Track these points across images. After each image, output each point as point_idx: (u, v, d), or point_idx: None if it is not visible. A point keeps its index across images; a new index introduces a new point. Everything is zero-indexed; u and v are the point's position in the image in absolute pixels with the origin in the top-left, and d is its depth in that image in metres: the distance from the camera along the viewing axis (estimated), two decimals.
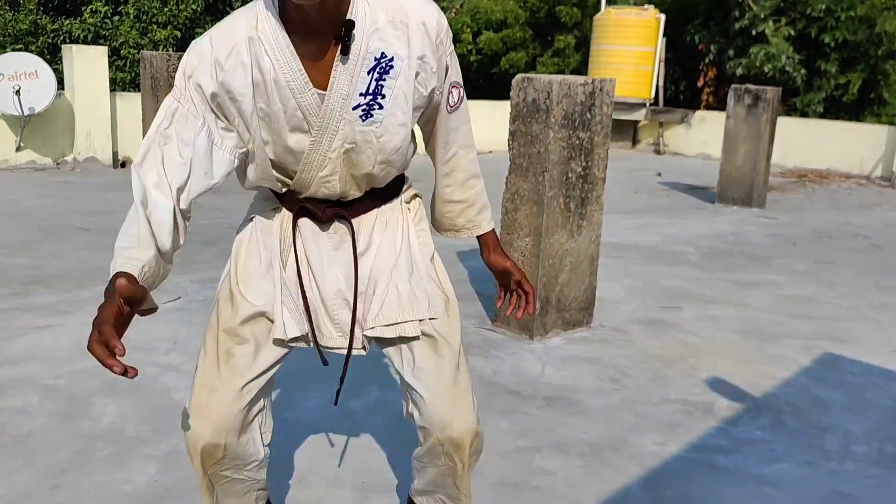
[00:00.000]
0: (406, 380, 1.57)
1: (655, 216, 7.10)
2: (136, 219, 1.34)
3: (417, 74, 1.44)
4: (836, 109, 12.78)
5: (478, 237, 1.74)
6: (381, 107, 1.42)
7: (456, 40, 15.71)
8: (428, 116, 1.58)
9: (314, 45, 1.37)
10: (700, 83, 13.70)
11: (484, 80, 15.75)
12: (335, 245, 1.57)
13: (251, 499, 1.69)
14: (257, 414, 1.61)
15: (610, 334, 3.75)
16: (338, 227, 1.57)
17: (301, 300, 1.54)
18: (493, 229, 1.76)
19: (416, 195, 1.67)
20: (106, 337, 1.19)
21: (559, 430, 2.70)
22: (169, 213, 1.36)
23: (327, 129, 1.42)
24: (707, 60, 13.50)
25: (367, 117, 1.42)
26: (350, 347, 1.56)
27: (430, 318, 1.56)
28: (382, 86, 1.40)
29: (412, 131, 1.53)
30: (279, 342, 1.55)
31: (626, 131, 13.71)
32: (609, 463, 2.49)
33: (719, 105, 13.27)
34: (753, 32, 12.43)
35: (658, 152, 13.02)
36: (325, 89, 1.39)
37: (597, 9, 13.32)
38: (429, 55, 1.44)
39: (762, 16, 12.27)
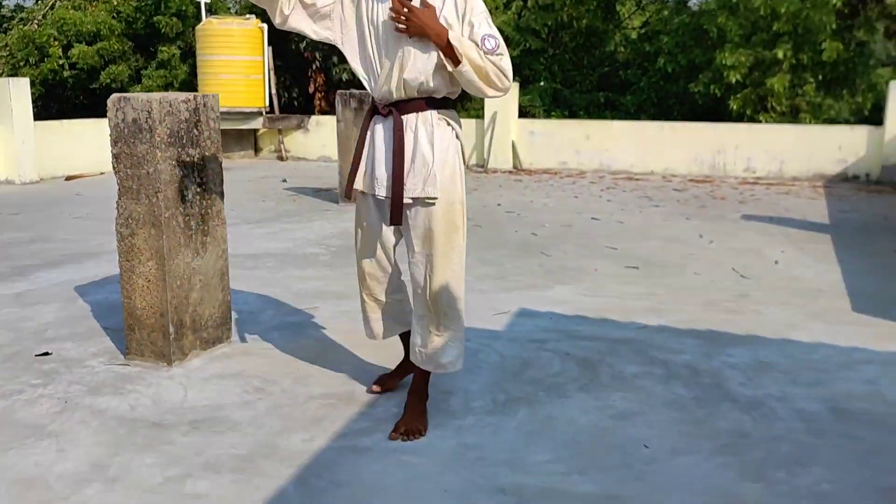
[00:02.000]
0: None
1: (285, 222, 7.26)
2: None
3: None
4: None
5: None
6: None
7: (43, 55, 14.23)
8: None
9: None
10: (311, 89, 14.22)
11: (84, 96, 14.51)
12: (390, 130, 2.70)
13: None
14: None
15: (251, 346, 3.77)
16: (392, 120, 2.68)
17: (364, 165, 2.78)
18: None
19: (452, 127, 2.72)
20: None
21: (208, 451, 2.67)
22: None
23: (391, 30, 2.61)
24: (314, 67, 14.06)
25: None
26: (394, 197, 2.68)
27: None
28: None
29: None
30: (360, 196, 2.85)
31: (247, 140, 13.72)
32: (261, 471, 2.53)
33: (331, 109, 13.91)
34: None
35: (281, 159, 13.26)
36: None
37: (198, 19, 13.06)
38: (450, 14, 2.59)
39: None
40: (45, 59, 14.25)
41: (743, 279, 5.20)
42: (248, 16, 13.21)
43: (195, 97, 3.44)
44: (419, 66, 2.59)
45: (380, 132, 2.72)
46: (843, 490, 2.44)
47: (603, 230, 6.95)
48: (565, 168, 11.63)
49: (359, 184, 2.78)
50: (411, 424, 2.78)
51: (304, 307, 4.44)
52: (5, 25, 16.24)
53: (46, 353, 3.63)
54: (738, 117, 11.75)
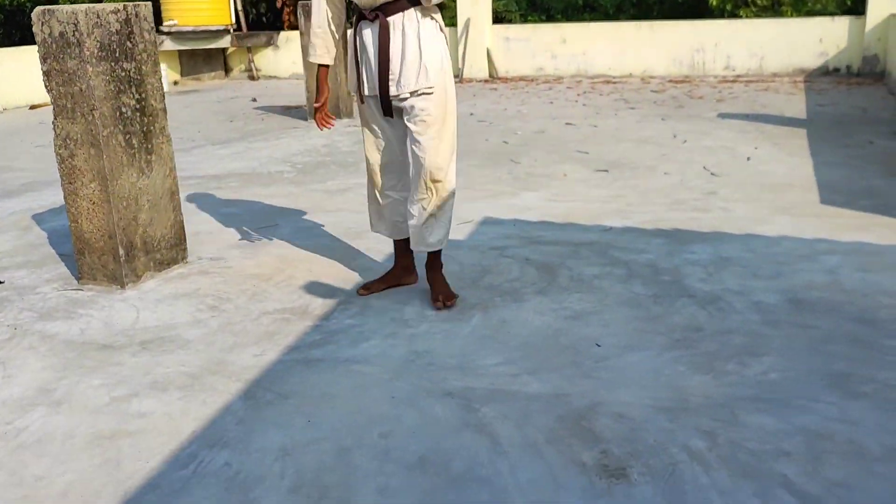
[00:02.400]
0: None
1: (252, 141, 7.10)
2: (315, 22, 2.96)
3: None
4: None
5: None
6: None
7: None
8: None
9: None
10: (279, 3, 13.73)
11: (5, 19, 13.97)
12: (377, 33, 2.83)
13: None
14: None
15: (208, 265, 3.71)
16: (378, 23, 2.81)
17: (355, 69, 2.93)
18: None
19: (435, 20, 2.86)
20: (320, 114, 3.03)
21: (156, 370, 2.64)
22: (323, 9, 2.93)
23: None
24: None
25: None
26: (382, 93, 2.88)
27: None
28: None
29: None
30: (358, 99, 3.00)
31: (216, 60, 13.33)
32: (209, 387, 2.51)
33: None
34: None
35: (252, 78, 12.92)
36: None
37: None
38: None
39: None
40: None
41: (713, 177, 5.13)
42: None
43: (125, 7, 3.26)
44: None
45: (368, 36, 2.85)
46: (791, 378, 2.44)
47: (575, 135, 6.82)
48: (542, 74, 11.37)
49: (354, 86, 2.98)
50: (446, 292, 3.09)
51: (264, 225, 4.36)
52: None
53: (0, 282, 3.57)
54: (719, 14, 11.44)
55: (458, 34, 11.50)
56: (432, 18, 2.85)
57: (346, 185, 5.25)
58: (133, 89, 3.34)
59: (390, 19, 2.79)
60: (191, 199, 4.98)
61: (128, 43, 3.29)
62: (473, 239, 3.97)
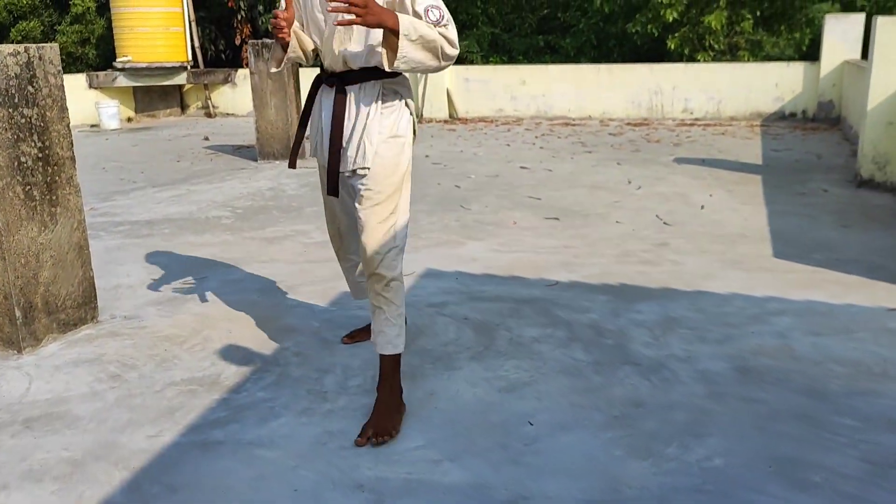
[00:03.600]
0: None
1: (195, 183, 6.83)
2: None
3: None
4: None
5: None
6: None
7: None
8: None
9: None
10: (238, 41, 13.55)
11: None
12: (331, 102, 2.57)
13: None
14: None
15: (120, 325, 3.43)
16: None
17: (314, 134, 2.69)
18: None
19: (394, 90, 2.54)
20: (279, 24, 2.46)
21: (34, 455, 2.35)
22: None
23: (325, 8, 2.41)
24: (240, 17, 13.38)
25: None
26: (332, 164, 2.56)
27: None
28: None
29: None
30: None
31: (172, 97, 13.08)
32: (90, 477, 2.23)
33: None
34: None
35: (209, 115, 12.68)
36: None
37: None
38: None
39: None
40: None
41: (665, 227, 4.98)
42: None
43: (26, 49, 3.02)
44: (360, 41, 2.44)
45: (326, 103, 2.59)
46: (735, 464, 2.23)
47: (529, 179, 6.67)
48: (502, 115, 11.29)
49: (310, 152, 2.74)
50: (380, 424, 2.42)
51: (191, 277, 4.09)
52: None
53: None
54: (677, 57, 11.49)
55: (419, 75, 11.38)
56: (396, 93, 2.53)
57: (285, 233, 5.00)
58: (35, 137, 3.08)
59: (349, 89, 2.50)
60: (116, 248, 4.70)
61: (29, 87, 3.04)
62: (411, 295, 3.74)
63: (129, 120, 12.35)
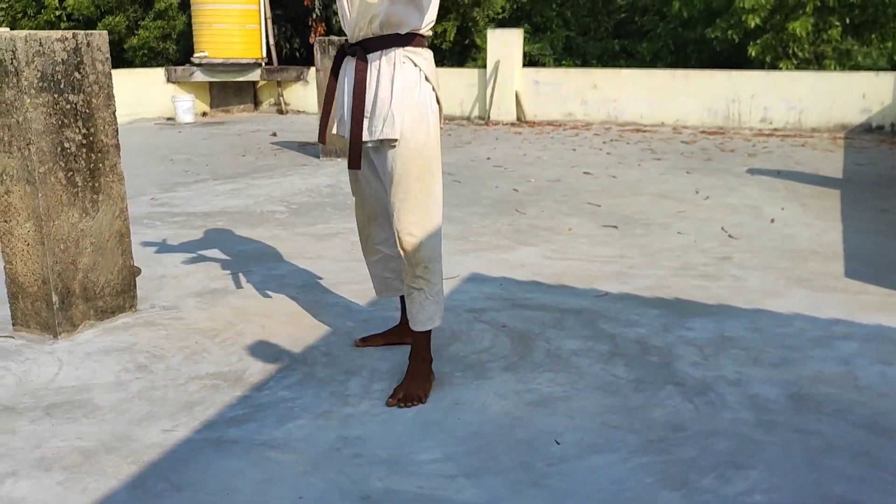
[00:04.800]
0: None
1: (255, 178, 6.88)
2: None
3: None
4: (440, 57, 13.63)
5: None
6: None
7: (40, 6, 13.89)
8: None
9: None
10: (312, 39, 13.68)
11: None
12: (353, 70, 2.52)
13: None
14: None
15: (157, 315, 3.42)
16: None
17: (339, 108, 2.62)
18: None
19: (413, 62, 2.47)
20: None
21: (49, 442, 2.33)
22: None
23: None
24: (314, 16, 13.52)
25: None
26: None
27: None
28: None
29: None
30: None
31: (246, 93, 13.30)
32: (98, 469, 2.18)
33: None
34: None
35: (281, 112, 12.84)
36: None
37: None
38: None
39: None
40: (43, 11, 13.91)
41: (730, 239, 4.71)
42: None
43: (74, 35, 3.03)
44: (378, 3, 2.41)
45: (348, 73, 2.57)
46: (777, 501, 2.02)
47: (592, 185, 6.45)
48: (571, 119, 11.05)
49: (333, 128, 2.69)
50: (410, 390, 2.58)
51: (236, 270, 4.07)
52: None
53: None
54: (759, 65, 11.03)
55: (487, 76, 11.27)
56: (415, 64, 2.48)
57: (336, 230, 4.95)
58: (79, 123, 3.09)
59: (369, 56, 2.48)
60: (170, 238, 4.73)
61: (76, 74, 3.05)
62: (452, 298, 3.61)
63: (204, 114, 12.61)
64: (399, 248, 2.57)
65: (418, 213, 2.53)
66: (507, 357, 2.96)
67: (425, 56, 2.53)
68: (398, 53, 2.46)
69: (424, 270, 2.58)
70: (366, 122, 2.50)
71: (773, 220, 5.19)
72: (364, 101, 2.48)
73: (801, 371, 2.82)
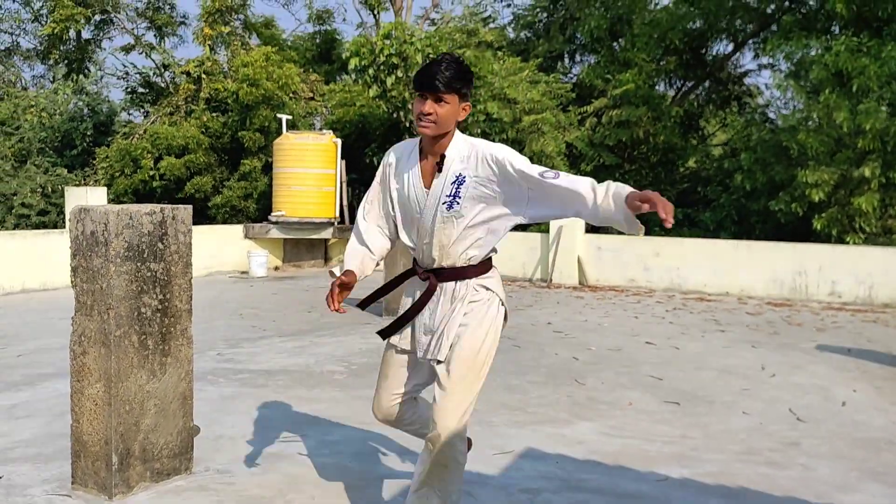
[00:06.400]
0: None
1: (319, 335, 7.03)
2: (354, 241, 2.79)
3: (478, 186, 2.55)
4: None
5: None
6: (457, 203, 2.55)
7: (137, 166, 15.03)
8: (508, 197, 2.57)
9: (428, 164, 2.62)
10: None
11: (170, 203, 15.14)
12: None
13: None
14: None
15: (211, 479, 3.44)
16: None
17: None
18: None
19: (488, 289, 2.65)
20: (334, 290, 2.63)
21: None
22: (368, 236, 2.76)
23: (427, 210, 2.59)
24: None
25: (449, 208, 2.56)
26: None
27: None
28: (459, 192, 2.55)
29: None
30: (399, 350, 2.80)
31: (318, 250, 13.86)
32: None
33: None
34: None
35: None
36: (429, 188, 2.60)
37: (280, 134, 13.52)
38: (482, 173, 2.55)
39: None
40: (138, 170, 15.05)
41: (798, 423, 4.53)
42: (324, 131, 13.62)
43: (162, 209, 3.28)
44: (463, 238, 2.59)
45: (415, 291, 2.72)
46: None
47: (653, 357, 6.36)
48: (633, 285, 11.07)
49: (396, 340, 2.79)
50: None
51: (291, 434, 4.09)
52: (109, 139, 17.36)
53: None
54: (825, 237, 10.98)
55: (550, 240, 11.50)
56: (487, 289, 2.63)
57: None
58: (157, 290, 3.28)
59: (442, 285, 2.64)
60: (231, 396, 4.82)
61: (159, 244, 3.28)
62: (505, 476, 3.54)
63: (276, 269, 13.13)
64: (428, 438, 2.61)
65: (458, 417, 2.58)
66: None
67: (496, 276, 2.69)
68: (471, 283, 2.62)
69: (446, 469, 2.63)
70: (425, 341, 2.65)
71: (844, 404, 4.99)
72: (413, 316, 2.67)
73: None
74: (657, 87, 15.50)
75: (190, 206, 3.44)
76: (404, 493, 3.32)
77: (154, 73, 18.58)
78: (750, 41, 15.29)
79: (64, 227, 10.62)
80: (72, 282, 3.21)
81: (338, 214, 13.13)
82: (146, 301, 3.24)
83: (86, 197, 10.13)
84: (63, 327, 7.21)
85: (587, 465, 3.74)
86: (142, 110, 19.39)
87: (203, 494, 3.26)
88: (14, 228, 14.61)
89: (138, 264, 3.20)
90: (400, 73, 12.62)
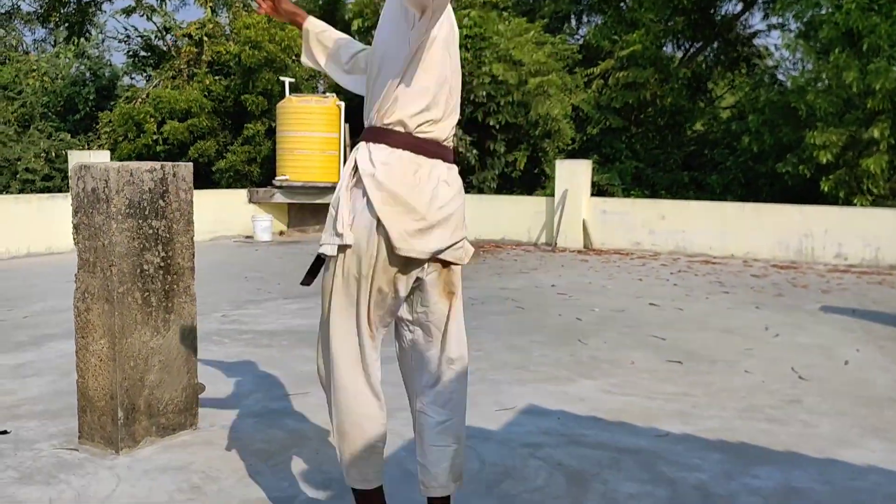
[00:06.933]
0: None
1: None
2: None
3: None
4: (510, 185, 13.98)
5: None
6: None
7: (140, 131, 14.98)
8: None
9: None
10: None
11: None
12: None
13: None
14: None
15: (216, 434, 3.47)
16: None
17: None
18: None
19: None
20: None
21: None
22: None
23: None
24: None
25: None
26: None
27: None
28: None
29: None
30: None
31: (323, 213, 13.83)
32: None
33: None
34: None
35: None
36: None
37: (283, 97, 13.43)
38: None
39: None
40: (142, 135, 15.00)
41: (800, 381, 4.54)
42: (327, 94, 13.52)
43: (163, 166, 3.27)
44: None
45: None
46: None
47: (657, 318, 6.37)
48: (638, 249, 11.05)
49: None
50: None
51: (296, 391, 4.12)
52: (112, 104, 17.29)
53: (5, 432, 3.45)
54: (832, 199, 10.91)
55: (555, 204, 11.47)
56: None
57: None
58: (159, 247, 3.28)
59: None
60: (236, 356, 4.85)
61: (160, 201, 3.27)
62: (507, 431, 3.57)
63: (281, 233, 13.14)
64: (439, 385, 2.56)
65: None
66: (561, 498, 2.87)
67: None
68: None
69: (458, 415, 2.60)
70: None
71: (846, 362, 5.00)
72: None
73: None
74: (665, 49, 15.34)
75: (191, 164, 3.42)
76: (405, 447, 3.35)
77: (155, 37, 18.41)
78: (759, 0, 15.07)
79: (68, 191, 10.67)
80: (74, 239, 3.22)
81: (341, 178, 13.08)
82: (148, 258, 3.24)
83: (89, 160, 10.09)
84: (68, 289, 7.25)
85: (588, 420, 3.77)
86: (144, 74, 19.26)
87: (208, 449, 3.29)
88: (19, 193, 14.63)
89: (140, 221, 3.20)
90: None
